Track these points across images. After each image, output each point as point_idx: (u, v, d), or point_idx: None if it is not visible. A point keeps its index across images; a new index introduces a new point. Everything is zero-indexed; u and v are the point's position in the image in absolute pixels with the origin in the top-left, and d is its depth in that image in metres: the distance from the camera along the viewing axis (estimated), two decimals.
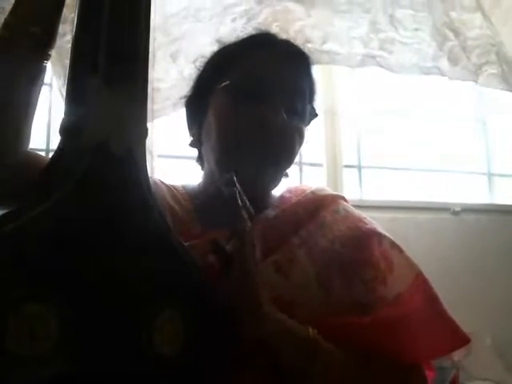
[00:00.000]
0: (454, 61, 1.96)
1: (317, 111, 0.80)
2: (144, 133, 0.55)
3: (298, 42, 0.82)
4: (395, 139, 2.44)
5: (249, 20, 1.72)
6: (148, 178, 0.55)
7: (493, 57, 2.00)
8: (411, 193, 2.40)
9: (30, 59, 0.64)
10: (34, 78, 0.66)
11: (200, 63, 0.81)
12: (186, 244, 0.58)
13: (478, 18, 2.00)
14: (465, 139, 2.60)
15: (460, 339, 0.72)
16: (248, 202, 0.61)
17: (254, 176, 0.72)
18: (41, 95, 0.67)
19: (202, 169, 0.82)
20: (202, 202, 0.79)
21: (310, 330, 0.63)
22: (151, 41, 0.56)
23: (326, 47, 1.85)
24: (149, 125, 0.56)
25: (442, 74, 1.97)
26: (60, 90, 1.64)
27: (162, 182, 0.82)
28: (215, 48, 0.81)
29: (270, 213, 0.77)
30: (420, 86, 2.32)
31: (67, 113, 0.54)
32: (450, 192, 2.46)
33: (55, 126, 0.54)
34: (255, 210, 0.76)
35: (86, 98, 0.52)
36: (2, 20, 0.65)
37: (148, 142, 0.56)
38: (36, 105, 0.67)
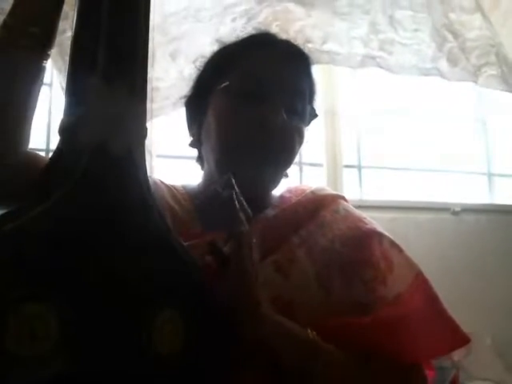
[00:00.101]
0: (453, 62, 1.96)
1: (317, 111, 0.80)
2: (143, 132, 0.55)
3: (298, 42, 0.81)
4: (395, 139, 2.44)
5: (249, 20, 1.72)
6: (147, 178, 0.55)
7: (492, 58, 2.00)
8: (411, 193, 2.40)
9: (29, 59, 0.64)
10: (34, 77, 0.66)
11: (200, 63, 0.81)
12: (185, 244, 0.58)
13: (477, 18, 2.00)
14: (465, 139, 2.60)
15: (460, 339, 0.72)
16: (246, 204, 0.61)
17: (253, 176, 0.72)
18: (41, 95, 0.67)
19: (202, 169, 0.82)
20: (202, 202, 0.78)
21: (309, 331, 0.63)
22: (150, 40, 0.56)
23: (325, 47, 1.86)
24: (148, 124, 0.56)
25: (442, 75, 1.98)
26: (61, 84, 1.64)
27: (162, 181, 0.82)
28: (215, 48, 0.81)
29: (270, 212, 0.77)
30: (420, 86, 2.32)
31: (66, 112, 0.54)
32: (450, 192, 2.46)
33: (55, 126, 0.54)
34: (255, 210, 0.76)
35: (85, 97, 0.52)
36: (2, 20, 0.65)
37: (147, 141, 0.56)
38: (35, 105, 0.67)
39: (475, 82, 2.01)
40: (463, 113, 2.62)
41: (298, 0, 1.80)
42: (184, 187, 0.82)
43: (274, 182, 0.77)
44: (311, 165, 2.27)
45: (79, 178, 0.50)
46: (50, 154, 0.56)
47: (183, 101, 0.83)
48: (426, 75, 1.99)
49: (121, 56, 0.53)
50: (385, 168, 2.45)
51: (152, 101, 1.58)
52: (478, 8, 2.00)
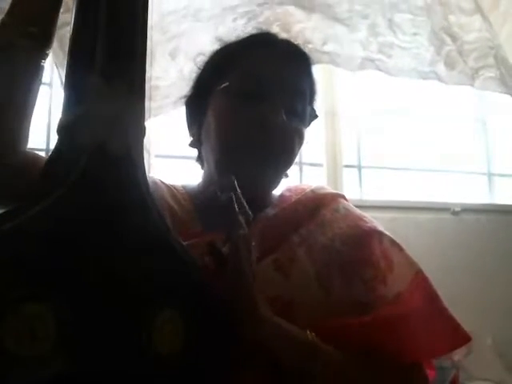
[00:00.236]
0: (450, 65, 1.97)
1: (317, 112, 0.80)
2: (142, 132, 0.55)
3: (299, 42, 0.81)
4: (395, 139, 2.44)
5: (249, 20, 1.72)
6: (146, 178, 0.55)
7: (490, 60, 2.00)
8: (411, 193, 2.40)
9: (28, 59, 0.64)
10: (33, 77, 0.66)
11: (200, 61, 0.81)
12: (185, 244, 0.58)
13: (477, 20, 2.00)
14: (465, 139, 2.60)
15: (461, 337, 0.72)
16: (246, 206, 0.61)
17: (254, 176, 0.72)
18: (40, 95, 0.67)
19: (202, 168, 0.82)
20: (202, 201, 0.78)
21: (308, 332, 0.63)
22: (148, 38, 0.56)
23: (326, 48, 1.86)
24: (147, 123, 0.56)
25: (439, 79, 1.98)
26: (61, 78, 1.63)
27: (161, 181, 0.82)
28: (215, 46, 0.80)
29: (270, 211, 0.77)
30: (420, 86, 2.32)
31: (65, 112, 0.54)
32: (450, 192, 2.46)
33: (55, 126, 0.54)
34: (255, 210, 0.76)
35: (83, 96, 0.52)
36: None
37: (145, 141, 0.56)
38: (34, 105, 0.67)
39: (472, 85, 2.01)
40: (463, 113, 2.62)
41: (299, 4, 1.80)
42: (184, 187, 0.82)
43: (275, 183, 0.77)
44: (311, 165, 2.27)
45: (78, 177, 0.50)
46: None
47: (183, 100, 0.83)
48: (424, 78, 1.99)
49: (119, 55, 0.53)
50: (385, 168, 2.45)
51: (152, 99, 1.58)
52: (478, 9, 2.00)
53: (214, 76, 0.77)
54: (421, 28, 1.95)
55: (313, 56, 0.81)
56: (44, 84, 1.64)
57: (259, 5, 1.73)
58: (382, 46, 1.91)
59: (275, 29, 1.55)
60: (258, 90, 0.73)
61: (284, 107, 0.73)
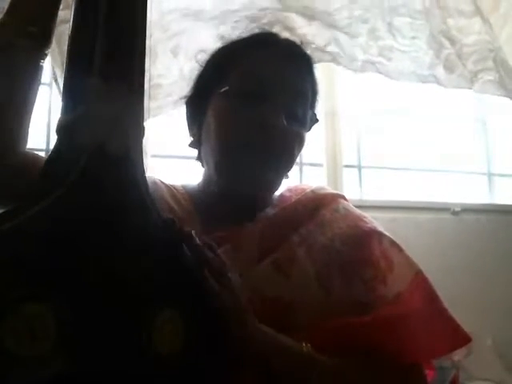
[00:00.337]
0: (449, 69, 1.97)
1: (318, 116, 0.80)
2: (141, 132, 0.55)
3: (302, 41, 0.81)
4: (395, 139, 2.44)
5: (251, 22, 1.72)
6: (145, 178, 0.55)
7: (490, 63, 2.00)
8: (411, 193, 2.40)
9: (27, 59, 0.64)
10: (32, 77, 0.66)
11: (201, 58, 0.81)
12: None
13: (476, 22, 2.00)
14: (465, 139, 2.60)
15: (461, 338, 0.72)
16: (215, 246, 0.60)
17: (254, 177, 0.72)
18: (40, 95, 0.67)
19: (203, 166, 0.82)
20: (202, 201, 0.78)
21: (304, 344, 0.63)
22: (149, 37, 0.56)
23: (328, 48, 1.86)
24: (146, 123, 0.56)
25: (439, 82, 1.99)
26: (54, 74, 1.62)
27: (161, 181, 0.81)
28: (217, 44, 0.80)
29: (270, 211, 0.77)
30: (420, 87, 2.32)
31: (64, 112, 0.54)
32: (450, 192, 2.46)
33: (55, 126, 0.54)
34: (256, 210, 0.76)
35: (83, 97, 0.52)
36: None
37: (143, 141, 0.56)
38: (34, 104, 0.67)
39: (471, 88, 2.02)
40: (463, 113, 2.62)
41: (299, 12, 1.80)
42: (184, 187, 0.82)
43: (275, 184, 0.77)
44: (311, 165, 2.27)
45: (77, 177, 0.50)
46: None
47: (183, 100, 0.83)
48: (423, 82, 2.00)
49: (119, 55, 0.53)
50: (385, 168, 2.45)
51: (154, 98, 1.57)
52: (478, 11, 2.00)
53: (215, 76, 0.77)
54: (420, 31, 1.96)
55: (315, 55, 0.81)
56: (44, 84, 1.63)
57: (261, 10, 1.73)
58: (382, 49, 1.91)
59: (277, 29, 1.55)
60: (258, 90, 0.72)
61: (285, 110, 0.72)
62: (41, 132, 1.81)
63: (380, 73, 1.94)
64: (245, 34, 0.79)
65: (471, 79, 1.99)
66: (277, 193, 0.80)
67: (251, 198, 0.75)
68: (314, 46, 1.78)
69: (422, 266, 0.75)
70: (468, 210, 2.36)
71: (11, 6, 0.64)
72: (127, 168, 0.53)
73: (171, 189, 0.80)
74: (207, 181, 0.79)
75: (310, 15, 1.80)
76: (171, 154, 1.99)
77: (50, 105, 1.86)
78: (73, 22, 0.56)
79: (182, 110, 0.83)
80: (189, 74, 0.83)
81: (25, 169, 0.65)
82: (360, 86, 2.36)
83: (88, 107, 0.52)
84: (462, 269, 2.18)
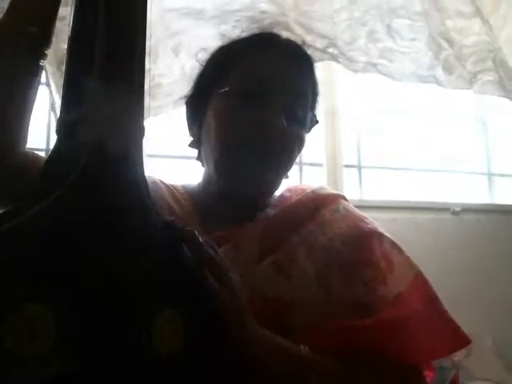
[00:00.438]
0: (448, 70, 1.97)
1: (318, 117, 0.80)
2: (141, 132, 0.55)
3: (302, 41, 0.81)
4: (395, 139, 2.44)
5: (252, 23, 1.72)
6: (145, 178, 0.55)
7: (489, 64, 2.00)
8: (411, 193, 2.40)
9: (27, 59, 0.64)
10: (31, 77, 0.65)
11: (201, 57, 0.80)
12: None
13: (476, 23, 2.00)
14: (465, 139, 2.60)
15: (460, 340, 0.72)
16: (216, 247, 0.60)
17: (254, 178, 0.72)
18: (41, 95, 0.67)
19: (203, 166, 0.82)
20: (202, 201, 0.78)
21: (302, 346, 0.63)
22: (150, 36, 0.56)
23: (329, 50, 1.86)
24: (146, 122, 0.56)
25: (438, 83, 1.99)
26: (53, 76, 1.61)
27: (161, 181, 0.81)
28: (218, 42, 0.80)
29: (271, 212, 0.76)
30: (420, 87, 2.32)
31: (64, 112, 0.54)
32: (450, 192, 2.46)
33: (55, 126, 0.54)
34: (256, 210, 0.76)
35: (82, 97, 0.52)
36: None
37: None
38: (33, 104, 0.67)
39: (470, 89, 2.02)
40: (463, 113, 2.62)
41: (298, 21, 1.80)
42: (184, 187, 0.82)
43: (275, 184, 0.77)
44: (311, 165, 2.27)
45: (77, 177, 0.50)
46: None
47: (184, 100, 0.83)
48: (424, 82, 2.01)
49: (118, 55, 0.53)
50: (385, 168, 2.45)
51: (154, 98, 1.57)
52: (477, 12, 2.00)
53: (215, 75, 0.77)
54: (419, 33, 1.96)
55: (315, 55, 0.81)
56: (44, 84, 1.63)
57: (261, 12, 1.73)
58: (381, 51, 1.92)
59: (277, 29, 1.55)
60: (259, 91, 0.72)
61: (285, 111, 0.72)
62: (41, 132, 1.81)
63: (381, 74, 1.95)
64: (246, 34, 0.79)
65: (470, 80, 2.00)
66: (277, 193, 0.80)
67: (251, 198, 0.75)
68: (317, 45, 1.78)
69: (422, 266, 0.75)
70: (468, 210, 2.37)
71: (11, 5, 0.64)
72: (127, 168, 0.53)
73: (171, 189, 0.80)
74: (207, 181, 0.79)
75: (307, 23, 1.81)
76: (171, 154, 2.00)
77: (50, 105, 1.86)
78: (73, 21, 0.56)
79: (182, 110, 0.83)
80: (190, 72, 0.82)
81: (25, 169, 0.65)
82: (360, 86, 2.36)
83: (88, 107, 0.52)
84: (462, 269, 2.18)
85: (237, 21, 1.68)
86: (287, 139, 0.73)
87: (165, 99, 1.65)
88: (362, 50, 1.90)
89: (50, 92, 1.61)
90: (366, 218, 0.78)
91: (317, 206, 0.78)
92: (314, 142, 2.16)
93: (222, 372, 0.56)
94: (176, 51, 1.66)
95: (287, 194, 0.80)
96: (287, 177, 0.79)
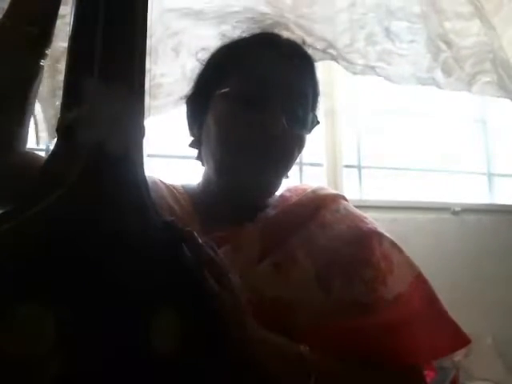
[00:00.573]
0: (447, 72, 1.98)
1: (319, 118, 0.80)
2: (141, 132, 0.55)
3: (302, 41, 0.81)
4: (395, 139, 2.44)
5: (252, 23, 1.72)
6: (145, 178, 0.55)
7: (487, 65, 2.00)
8: (411, 193, 2.40)
9: (26, 58, 0.64)
10: (32, 77, 0.65)
11: (202, 56, 0.80)
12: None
13: (475, 24, 2.00)
14: (465, 139, 2.60)
15: (460, 340, 0.72)
16: (215, 247, 0.60)
17: (254, 179, 0.72)
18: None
19: (203, 165, 0.81)
20: (202, 201, 0.78)
21: (302, 346, 0.63)
22: (150, 36, 0.56)
23: (328, 51, 1.87)
24: (146, 122, 0.56)
25: (438, 85, 1.99)
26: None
27: (161, 181, 0.81)
28: (219, 42, 0.79)
29: (271, 212, 0.76)
30: (420, 87, 2.32)
31: (64, 112, 0.54)
32: (450, 192, 2.46)
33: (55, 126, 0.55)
34: (256, 210, 0.76)
35: (83, 97, 0.52)
36: None
37: None
38: (34, 104, 0.67)
39: (469, 90, 2.02)
40: (463, 113, 2.62)
41: (297, 24, 1.80)
42: (183, 187, 0.82)
43: (275, 185, 0.77)
44: (311, 165, 2.27)
45: (77, 178, 0.50)
46: None
47: (184, 100, 0.82)
48: (423, 84, 2.01)
49: (118, 55, 0.53)
50: (385, 168, 2.45)
51: (155, 97, 1.57)
52: (477, 13, 2.00)
53: (216, 76, 0.76)
54: (418, 35, 1.97)
55: (315, 54, 0.81)
56: None
57: (261, 14, 1.73)
58: (380, 54, 1.92)
59: (278, 29, 1.55)
60: (259, 91, 0.72)
61: (285, 112, 0.72)
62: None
63: (380, 76, 1.95)
64: (246, 34, 0.79)
65: (469, 82, 2.00)
66: (277, 193, 0.80)
67: (251, 199, 0.75)
68: (318, 46, 1.78)
69: (422, 266, 0.75)
70: (468, 210, 2.37)
71: (11, 5, 0.64)
72: (127, 168, 0.53)
73: (171, 189, 0.80)
74: (207, 181, 0.79)
75: (306, 25, 1.81)
76: (171, 154, 2.00)
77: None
78: (73, 21, 0.56)
79: (183, 110, 0.83)
80: (190, 72, 0.82)
81: (25, 169, 0.65)
82: (360, 86, 2.36)
83: (88, 107, 0.52)
84: (462, 269, 2.19)
85: (237, 21, 1.68)
86: (287, 140, 0.73)
87: (165, 99, 1.65)
88: (361, 53, 1.90)
89: None
90: (365, 218, 0.78)
91: (317, 206, 0.78)
92: (314, 142, 2.16)
93: (222, 372, 0.56)
94: (176, 51, 1.66)
95: (287, 194, 0.80)
96: (287, 177, 0.79)
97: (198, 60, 0.81)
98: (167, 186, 0.80)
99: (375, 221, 0.78)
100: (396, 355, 0.67)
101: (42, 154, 0.74)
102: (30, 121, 0.68)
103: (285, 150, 0.73)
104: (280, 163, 0.74)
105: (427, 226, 2.25)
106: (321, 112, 0.82)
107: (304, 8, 1.81)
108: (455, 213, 2.34)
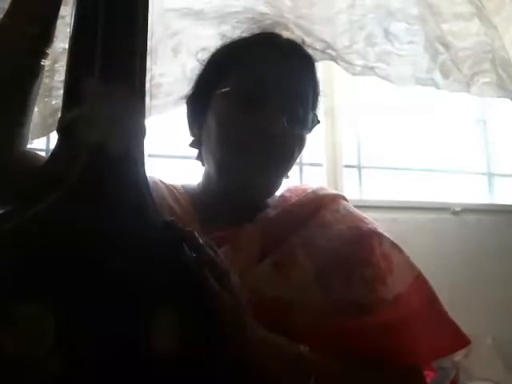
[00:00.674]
0: (445, 74, 1.98)
1: (319, 118, 0.80)
2: (142, 132, 0.55)
3: (302, 40, 0.81)
4: (395, 139, 2.44)
5: (252, 23, 1.72)
6: (146, 178, 0.55)
7: (486, 65, 2.00)
8: (411, 193, 2.40)
9: (27, 59, 0.64)
10: (32, 77, 0.65)
11: (201, 56, 0.80)
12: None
13: (475, 24, 2.00)
14: (465, 139, 2.60)
15: (460, 341, 0.72)
16: (216, 248, 0.60)
17: (254, 179, 0.72)
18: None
19: (203, 165, 0.81)
20: (202, 201, 0.78)
21: (302, 346, 0.63)
22: (151, 36, 0.56)
23: (327, 52, 1.87)
24: (147, 122, 0.56)
25: (437, 86, 2.00)
26: None
27: (161, 181, 0.81)
28: (219, 42, 0.79)
29: (271, 212, 0.76)
30: (420, 87, 2.32)
31: (64, 112, 0.54)
32: (450, 192, 2.46)
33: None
34: (256, 210, 0.76)
35: (83, 97, 0.52)
36: None
37: None
38: (34, 104, 0.67)
39: (468, 91, 2.02)
40: (463, 113, 2.62)
41: (297, 24, 1.81)
42: (184, 187, 0.82)
43: (275, 185, 0.77)
44: (311, 165, 2.27)
45: (77, 178, 0.50)
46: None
47: (184, 99, 0.82)
48: (423, 85, 2.01)
49: (119, 55, 0.53)
50: (385, 168, 2.45)
51: (155, 97, 1.57)
52: (476, 13, 2.00)
53: (216, 75, 0.76)
54: (416, 36, 1.97)
55: (314, 55, 0.81)
56: None
57: (261, 14, 1.74)
58: (379, 55, 1.93)
59: (278, 29, 1.55)
60: (259, 91, 0.72)
61: (285, 112, 0.72)
62: None
63: (379, 77, 1.95)
64: (246, 34, 0.79)
65: (467, 83, 2.00)
66: (277, 193, 0.80)
67: (251, 199, 0.75)
68: (317, 46, 1.78)
69: (422, 266, 0.75)
70: (468, 210, 2.37)
71: (12, 5, 0.64)
72: (128, 168, 0.53)
73: (171, 189, 0.80)
74: (207, 181, 0.79)
75: (306, 26, 1.81)
76: (171, 154, 2.00)
77: None
78: (73, 21, 0.56)
79: (183, 110, 0.83)
80: (190, 72, 0.82)
81: (25, 169, 0.65)
82: (360, 86, 2.36)
83: (89, 107, 0.52)
84: (462, 269, 2.19)
85: (237, 21, 1.68)
86: (287, 140, 0.73)
87: (165, 99, 1.64)
88: (360, 54, 1.90)
89: None
90: (365, 218, 0.78)
91: (317, 206, 0.78)
92: (313, 142, 2.16)
93: (222, 372, 0.56)
94: (176, 51, 1.66)
95: (287, 195, 0.80)
96: (287, 177, 0.79)
97: (197, 60, 0.81)
98: (167, 186, 0.80)
99: (375, 221, 0.78)
100: (396, 355, 0.67)
101: (42, 154, 0.74)
102: (30, 120, 0.68)
103: (285, 149, 0.73)
104: (280, 163, 0.74)
105: (427, 226, 2.25)
106: (321, 112, 0.82)
107: (303, 9, 1.81)
108: (455, 213, 2.34)
